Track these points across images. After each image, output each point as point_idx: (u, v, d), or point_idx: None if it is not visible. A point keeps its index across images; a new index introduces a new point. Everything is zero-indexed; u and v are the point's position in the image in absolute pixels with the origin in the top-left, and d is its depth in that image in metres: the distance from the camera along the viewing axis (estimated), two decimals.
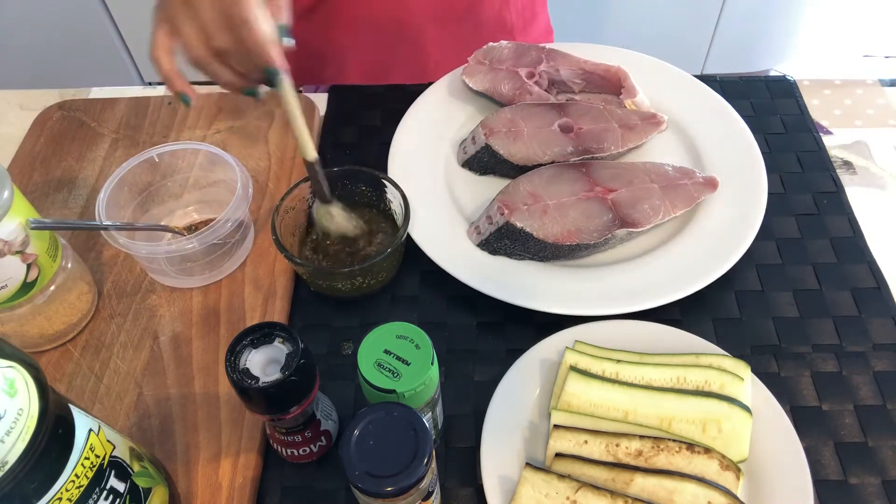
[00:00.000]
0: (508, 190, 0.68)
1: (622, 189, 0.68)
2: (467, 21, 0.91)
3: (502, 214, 0.65)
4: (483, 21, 0.91)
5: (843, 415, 0.59)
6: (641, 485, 0.51)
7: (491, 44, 0.82)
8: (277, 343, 0.49)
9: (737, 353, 0.59)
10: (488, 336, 0.64)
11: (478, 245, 0.67)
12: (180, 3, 0.59)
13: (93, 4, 1.91)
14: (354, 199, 0.70)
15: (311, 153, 0.63)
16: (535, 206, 0.66)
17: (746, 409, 0.54)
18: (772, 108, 0.82)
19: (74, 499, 0.41)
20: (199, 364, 0.62)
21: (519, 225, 0.64)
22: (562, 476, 0.51)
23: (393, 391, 0.47)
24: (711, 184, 0.69)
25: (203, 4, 0.57)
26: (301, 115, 0.61)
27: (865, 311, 0.65)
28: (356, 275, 0.63)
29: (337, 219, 0.66)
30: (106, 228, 0.62)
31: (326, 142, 0.80)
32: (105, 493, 0.43)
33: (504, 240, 0.65)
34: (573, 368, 0.57)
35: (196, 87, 0.86)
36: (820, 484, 0.55)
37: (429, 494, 0.47)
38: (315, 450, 0.56)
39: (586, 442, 0.53)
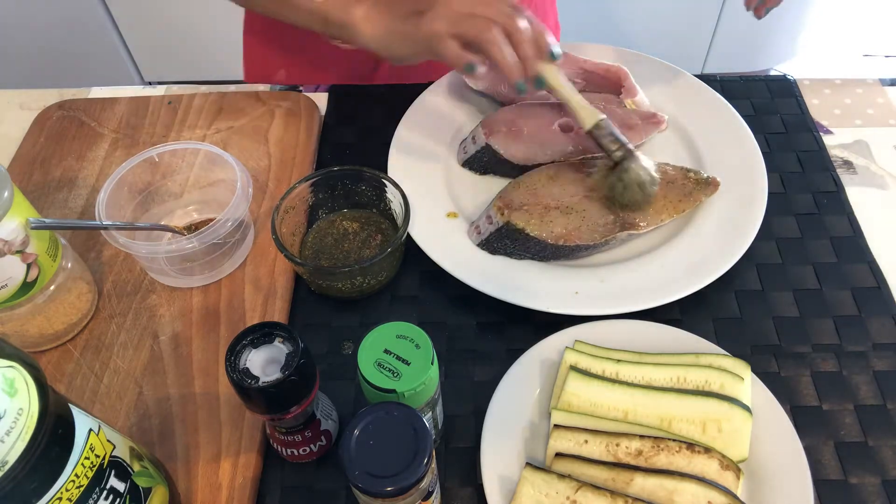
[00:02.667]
0: (508, 189, 0.68)
1: None
2: None
3: (502, 214, 0.65)
4: None
5: (843, 415, 0.59)
6: (641, 485, 0.51)
7: None
8: (277, 343, 0.49)
9: (737, 353, 0.59)
10: (488, 336, 0.64)
11: (478, 245, 0.67)
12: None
13: (93, 4, 1.91)
14: (354, 199, 0.70)
15: (591, 119, 0.65)
16: (536, 206, 0.66)
17: (746, 409, 0.54)
18: (772, 107, 0.82)
19: (74, 499, 0.41)
20: (199, 364, 0.62)
21: (519, 225, 0.64)
22: (562, 476, 0.51)
23: (393, 391, 0.47)
24: (712, 184, 0.69)
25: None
26: (574, 89, 0.66)
27: (865, 311, 0.64)
28: (356, 275, 0.63)
29: (627, 180, 0.65)
30: (106, 228, 0.62)
31: (326, 142, 0.80)
32: (105, 492, 0.43)
33: (504, 240, 0.65)
34: (573, 368, 0.57)
35: (196, 86, 0.87)
36: (820, 484, 0.55)
37: (429, 494, 0.47)
38: (315, 450, 0.56)
39: (586, 442, 0.53)
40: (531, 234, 0.64)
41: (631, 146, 0.66)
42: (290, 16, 0.70)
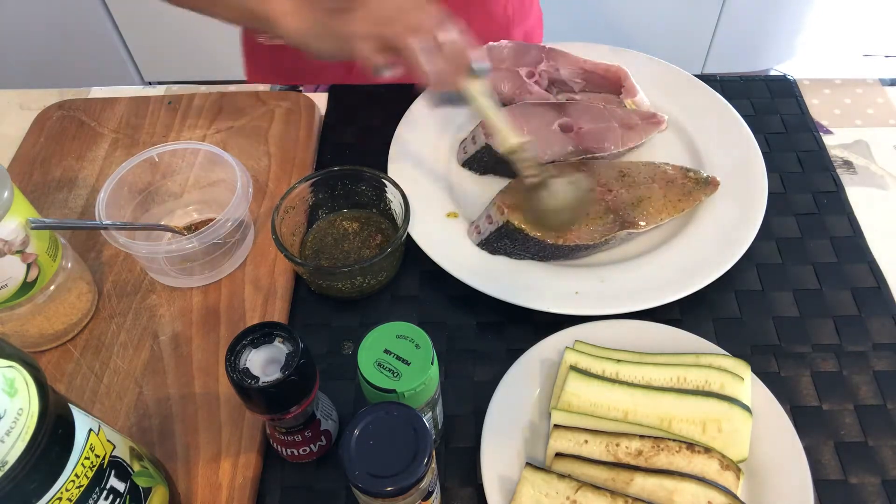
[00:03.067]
0: (508, 189, 0.68)
1: (622, 189, 0.68)
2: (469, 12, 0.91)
3: (502, 214, 0.65)
4: (487, 14, 0.92)
5: (843, 415, 0.59)
6: (641, 484, 0.51)
7: (491, 43, 0.82)
8: (277, 343, 0.49)
9: (737, 353, 0.59)
10: (488, 336, 0.64)
11: (478, 245, 0.67)
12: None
13: (93, 4, 1.91)
14: (354, 199, 0.70)
15: (511, 140, 0.63)
16: None
17: (746, 408, 0.54)
18: (772, 107, 0.82)
19: (74, 498, 0.41)
20: (199, 364, 0.62)
21: (519, 225, 0.64)
22: (562, 476, 0.51)
23: (393, 391, 0.47)
24: (712, 183, 0.69)
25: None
26: (497, 106, 0.63)
27: (865, 311, 0.64)
28: (356, 275, 0.63)
29: (560, 193, 0.64)
30: (106, 228, 0.62)
31: (326, 142, 0.80)
32: (105, 492, 0.43)
33: (504, 239, 0.65)
34: (573, 368, 0.57)
35: (196, 86, 0.87)
36: (820, 484, 0.55)
37: (429, 494, 0.47)
38: (315, 450, 0.56)
39: (586, 442, 0.53)
40: (531, 234, 0.64)
41: (549, 174, 0.64)
42: (216, 11, 0.69)
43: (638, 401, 0.55)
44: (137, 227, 0.66)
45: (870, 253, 0.69)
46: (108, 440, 0.45)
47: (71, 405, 0.43)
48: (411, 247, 0.67)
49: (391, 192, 0.67)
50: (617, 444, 0.53)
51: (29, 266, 0.57)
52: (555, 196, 0.64)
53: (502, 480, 0.53)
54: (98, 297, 0.66)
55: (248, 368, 0.48)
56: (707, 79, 0.81)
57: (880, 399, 0.59)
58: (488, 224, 0.66)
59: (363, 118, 0.82)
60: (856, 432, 0.57)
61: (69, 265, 0.62)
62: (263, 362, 0.48)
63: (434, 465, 0.47)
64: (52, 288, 0.60)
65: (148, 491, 0.48)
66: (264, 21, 0.65)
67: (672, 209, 0.67)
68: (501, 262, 0.66)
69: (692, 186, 0.68)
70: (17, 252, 0.55)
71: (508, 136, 0.63)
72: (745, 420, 0.54)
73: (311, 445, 0.55)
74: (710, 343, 0.60)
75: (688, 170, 0.70)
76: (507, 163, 0.71)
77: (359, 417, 0.44)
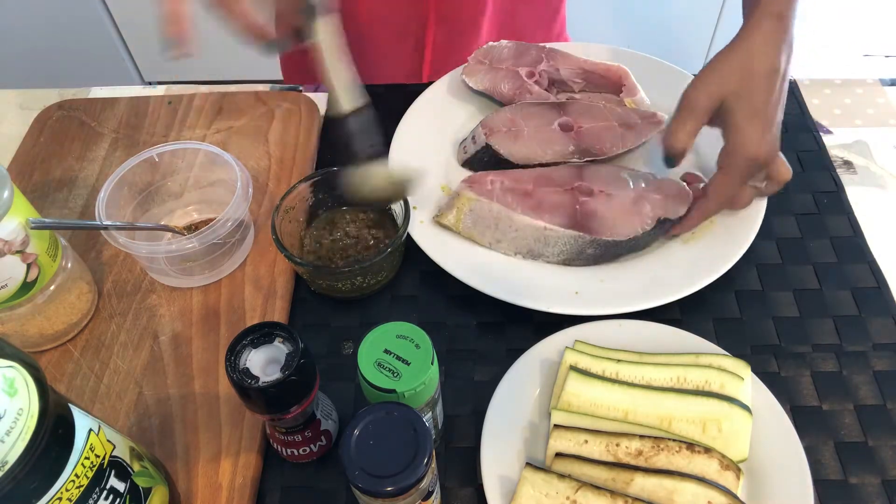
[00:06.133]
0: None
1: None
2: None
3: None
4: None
5: (843, 415, 0.58)
6: (641, 484, 0.51)
7: (491, 43, 0.82)
8: (277, 343, 0.49)
9: (737, 352, 0.59)
10: (488, 336, 0.64)
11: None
12: None
13: (93, 4, 1.91)
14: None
15: (345, 104, 0.56)
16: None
17: (746, 408, 0.54)
18: None
19: (74, 499, 0.41)
20: (199, 364, 0.62)
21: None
22: (562, 476, 0.51)
23: (393, 391, 0.47)
24: (685, 198, 0.67)
25: None
26: (339, 63, 0.55)
27: (865, 311, 0.64)
28: (356, 275, 0.63)
29: (373, 180, 0.59)
30: (106, 228, 0.62)
31: (326, 142, 0.80)
32: (105, 492, 0.43)
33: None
34: (573, 368, 0.57)
35: (196, 86, 0.86)
36: (820, 484, 0.54)
37: (429, 494, 0.47)
38: (315, 450, 0.56)
39: (586, 442, 0.53)
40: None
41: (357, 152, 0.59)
42: None
43: (638, 401, 0.55)
44: (137, 227, 0.66)
45: (870, 253, 0.69)
46: (108, 440, 0.45)
47: (71, 405, 0.43)
48: (411, 247, 0.67)
49: None
50: (617, 444, 0.53)
51: (29, 266, 0.57)
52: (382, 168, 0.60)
53: (502, 480, 0.53)
54: (98, 297, 0.66)
55: (248, 368, 0.48)
56: None
57: (880, 399, 0.59)
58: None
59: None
60: (856, 432, 0.57)
61: (69, 265, 0.62)
62: (263, 362, 0.48)
63: (434, 465, 0.47)
64: (52, 288, 0.60)
65: (148, 491, 0.48)
66: None
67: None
68: (501, 262, 0.66)
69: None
70: (17, 252, 0.55)
71: (343, 99, 0.57)
72: (745, 420, 0.54)
73: (311, 445, 0.55)
74: (710, 343, 0.60)
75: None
76: (506, 163, 0.72)
77: (359, 417, 0.44)
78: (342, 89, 0.57)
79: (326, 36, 0.55)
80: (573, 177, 0.69)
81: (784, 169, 0.64)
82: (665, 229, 0.66)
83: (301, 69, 0.97)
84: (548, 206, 0.66)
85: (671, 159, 0.64)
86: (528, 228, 0.65)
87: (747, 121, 0.60)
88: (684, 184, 0.68)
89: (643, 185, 0.68)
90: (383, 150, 0.59)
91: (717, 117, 0.62)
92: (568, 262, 0.66)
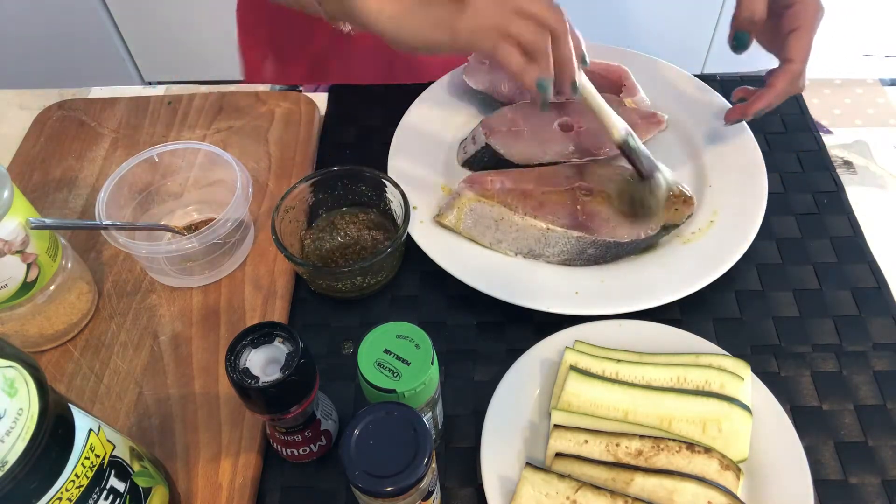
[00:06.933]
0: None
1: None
2: None
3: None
4: None
5: (843, 415, 0.58)
6: (641, 484, 0.51)
7: None
8: (277, 343, 0.49)
9: (737, 352, 0.59)
10: (488, 336, 0.64)
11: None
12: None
13: (93, 4, 1.91)
14: (354, 199, 0.70)
15: (618, 133, 0.63)
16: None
17: (746, 408, 0.54)
18: None
19: (74, 499, 0.41)
20: (199, 364, 0.62)
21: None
22: (562, 476, 0.51)
23: (393, 391, 0.47)
24: (688, 203, 0.67)
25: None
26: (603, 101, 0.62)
27: (865, 311, 0.64)
28: (356, 275, 0.63)
29: (658, 193, 0.64)
30: (106, 228, 0.62)
31: (326, 142, 0.80)
32: (105, 492, 0.43)
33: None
34: (573, 368, 0.57)
35: (196, 86, 0.87)
36: (820, 484, 0.54)
37: (429, 494, 0.47)
38: (315, 450, 0.56)
39: (586, 442, 0.53)
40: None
41: (657, 166, 0.65)
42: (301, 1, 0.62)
43: (638, 401, 0.55)
44: (137, 227, 0.66)
45: (870, 253, 0.69)
46: (108, 440, 0.45)
47: (71, 405, 0.43)
48: (411, 247, 0.67)
49: (391, 192, 0.67)
50: (617, 444, 0.53)
51: (29, 266, 0.57)
52: (654, 189, 0.64)
53: (502, 480, 0.53)
54: (98, 297, 0.66)
55: (248, 368, 0.48)
56: (707, 79, 0.81)
57: (880, 399, 0.59)
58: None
59: (363, 118, 0.82)
60: (856, 432, 0.57)
61: (69, 265, 0.62)
62: (263, 362, 0.48)
63: (434, 465, 0.47)
64: (52, 288, 0.60)
65: (148, 491, 0.48)
66: (344, 2, 0.56)
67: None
68: (501, 261, 0.66)
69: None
70: (17, 252, 0.55)
71: (617, 127, 0.63)
72: (745, 420, 0.54)
73: (311, 445, 0.55)
74: (710, 343, 0.60)
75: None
76: (507, 163, 0.72)
77: (359, 417, 0.44)
78: (611, 122, 0.63)
79: (586, 82, 0.62)
80: (574, 176, 0.69)
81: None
82: (668, 232, 0.66)
83: (261, 71, 0.97)
84: (549, 206, 0.66)
85: (745, 35, 0.64)
86: (529, 228, 0.65)
87: None
88: (688, 188, 0.68)
89: None
90: (656, 165, 0.65)
91: None
92: (568, 262, 0.66)
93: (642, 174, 0.65)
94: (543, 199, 0.67)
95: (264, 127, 0.79)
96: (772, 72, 0.66)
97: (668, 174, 0.66)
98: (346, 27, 0.66)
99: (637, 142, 0.64)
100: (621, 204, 0.66)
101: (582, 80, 0.60)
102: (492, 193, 0.67)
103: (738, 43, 0.64)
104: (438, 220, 0.67)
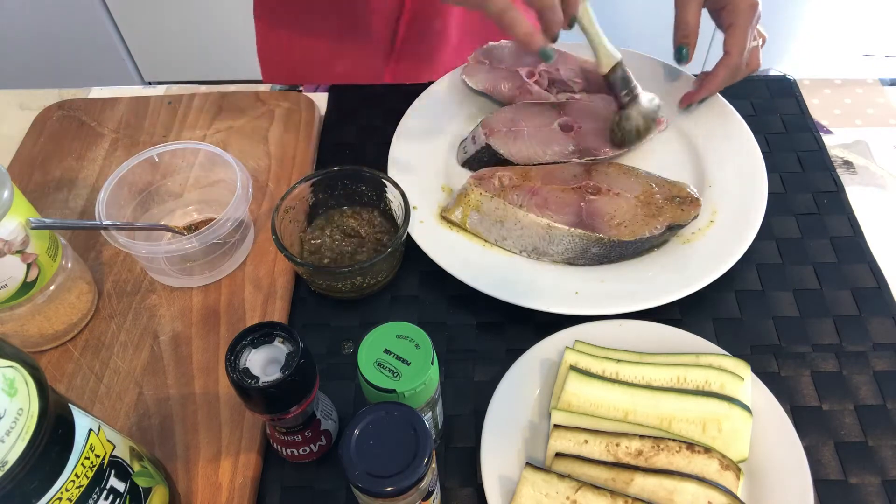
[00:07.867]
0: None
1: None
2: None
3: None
4: None
5: (843, 415, 0.59)
6: (641, 484, 0.51)
7: (491, 43, 0.82)
8: (277, 343, 0.49)
9: (737, 352, 0.59)
10: (488, 336, 0.64)
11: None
12: None
13: (93, 4, 1.91)
14: (354, 199, 0.70)
15: (610, 61, 0.69)
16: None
17: (746, 408, 0.54)
18: (772, 107, 0.82)
19: (74, 499, 0.41)
20: (199, 364, 0.62)
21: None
22: (562, 476, 0.51)
23: (393, 391, 0.47)
24: (694, 204, 0.67)
25: None
26: (598, 28, 0.68)
27: (865, 311, 0.64)
28: (356, 275, 0.63)
29: (635, 119, 0.70)
30: (106, 228, 0.62)
31: (326, 142, 0.80)
32: (105, 492, 0.43)
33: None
34: (573, 368, 0.57)
35: (196, 86, 0.87)
36: (820, 484, 0.55)
37: (429, 494, 0.47)
38: (315, 450, 0.56)
39: (586, 442, 0.53)
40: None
41: (638, 91, 0.70)
42: None
43: (638, 401, 0.55)
44: (137, 227, 0.66)
45: (870, 253, 0.69)
46: (108, 440, 0.45)
47: (71, 405, 0.43)
48: (411, 247, 0.67)
49: (391, 192, 0.67)
50: (617, 444, 0.53)
51: (29, 266, 0.57)
52: (635, 120, 0.71)
53: (502, 480, 0.53)
54: (98, 297, 0.66)
55: (248, 368, 0.48)
56: None
57: (880, 399, 0.59)
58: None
59: (363, 118, 0.82)
60: (856, 432, 0.57)
61: (69, 265, 0.62)
62: (263, 362, 0.48)
63: (434, 465, 0.47)
64: (52, 288, 0.60)
65: (148, 491, 0.48)
66: None
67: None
68: (501, 261, 0.66)
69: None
70: (17, 252, 0.55)
71: (609, 57, 0.69)
72: (745, 420, 0.54)
73: (311, 445, 0.55)
74: (710, 343, 0.60)
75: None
76: (507, 163, 0.72)
77: (359, 417, 0.44)
78: (604, 50, 0.69)
79: (586, 8, 0.67)
80: (581, 175, 0.69)
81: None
82: (673, 233, 0.66)
83: (281, 68, 0.97)
84: (554, 203, 0.66)
85: (684, 48, 0.72)
86: (534, 226, 0.65)
87: None
88: (694, 189, 0.68)
89: (654, 187, 0.68)
90: (637, 95, 0.71)
91: None
92: (571, 260, 0.66)
93: (620, 104, 0.71)
94: (550, 197, 0.67)
95: (264, 127, 0.79)
96: (718, 62, 0.74)
97: (648, 104, 0.71)
98: None
99: (625, 71, 0.70)
100: (607, 131, 0.73)
101: (582, 13, 0.66)
102: (499, 190, 0.67)
103: (680, 56, 0.72)
104: (445, 216, 0.68)
